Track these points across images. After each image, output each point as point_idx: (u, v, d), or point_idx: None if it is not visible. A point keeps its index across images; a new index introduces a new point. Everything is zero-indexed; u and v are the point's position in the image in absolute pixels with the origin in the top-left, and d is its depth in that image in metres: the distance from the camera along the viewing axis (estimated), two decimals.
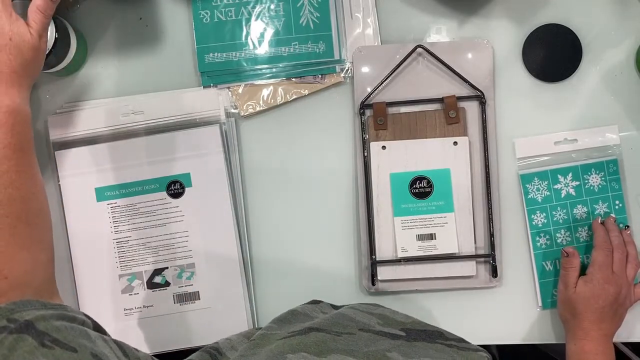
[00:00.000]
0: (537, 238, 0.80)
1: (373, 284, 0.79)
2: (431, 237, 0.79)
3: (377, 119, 0.79)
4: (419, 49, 0.79)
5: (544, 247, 0.80)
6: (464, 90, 0.80)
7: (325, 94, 0.82)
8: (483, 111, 0.79)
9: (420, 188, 0.79)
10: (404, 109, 0.80)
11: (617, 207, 0.79)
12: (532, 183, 0.80)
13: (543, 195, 0.80)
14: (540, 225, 0.80)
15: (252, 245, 0.82)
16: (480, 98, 0.79)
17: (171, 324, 0.81)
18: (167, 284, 0.81)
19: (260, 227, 0.82)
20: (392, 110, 0.80)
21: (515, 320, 0.81)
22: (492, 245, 0.79)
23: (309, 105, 0.82)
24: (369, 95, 0.80)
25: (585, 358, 0.72)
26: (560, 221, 0.80)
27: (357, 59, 0.80)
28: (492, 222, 0.79)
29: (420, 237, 0.79)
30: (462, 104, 0.79)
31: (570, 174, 0.80)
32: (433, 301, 0.81)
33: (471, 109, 0.80)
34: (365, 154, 0.80)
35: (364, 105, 0.80)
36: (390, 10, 0.81)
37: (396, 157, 0.79)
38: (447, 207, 0.79)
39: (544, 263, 0.80)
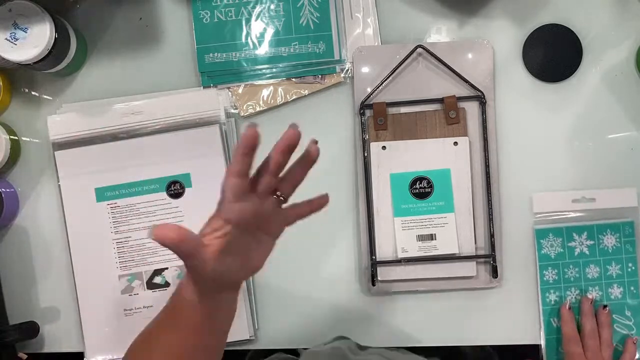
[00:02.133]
0: (547, 294, 0.79)
1: (373, 285, 0.79)
2: (431, 237, 0.79)
3: (377, 119, 0.79)
4: (419, 49, 0.79)
5: (552, 303, 0.79)
6: (464, 91, 0.80)
7: (325, 94, 0.82)
8: (483, 111, 0.79)
9: (421, 188, 0.79)
10: (404, 109, 0.80)
11: (629, 269, 0.79)
12: (547, 239, 0.79)
13: (556, 252, 0.79)
14: (551, 281, 0.79)
15: None
16: (480, 98, 0.79)
17: None
18: (167, 284, 0.81)
19: None
20: (392, 110, 0.80)
21: (515, 320, 0.81)
22: (492, 246, 0.79)
23: (309, 106, 0.82)
24: (369, 96, 0.80)
25: None
26: (572, 279, 0.79)
27: (357, 59, 0.80)
28: (493, 223, 0.79)
29: (421, 238, 0.79)
30: (462, 104, 0.79)
31: (585, 233, 0.79)
32: (433, 301, 0.81)
33: (471, 109, 0.80)
34: (366, 154, 0.79)
35: (364, 106, 0.80)
36: (390, 10, 0.81)
37: (396, 158, 0.79)
38: (447, 208, 0.78)
39: (551, 319, 0.79)
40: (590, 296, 0.78)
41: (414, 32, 0.81)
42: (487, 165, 0.79)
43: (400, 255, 0.79)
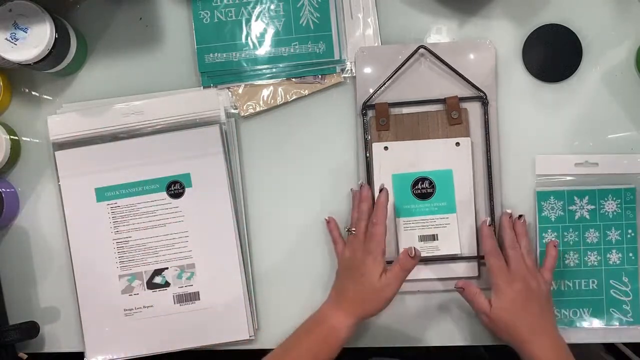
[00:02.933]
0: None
1: None
2: (433, 238, 0.78)
3: (379, 120, 0.79)
4: (422, 50, 0.79)
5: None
6: (467, 91, 0.79)
7: (325, 94, 0.82)
8: (485, 112, 0.79)
9: (423, 189, 0.79)
10: (406, 110, 0.80)
11: (629, 235, 0.79)
12: (548, 201, 0.79)
13: (557, 215, 0.79)
14: None
15: (252, 245, 0.82)
16: (482, 99, 0.79)
17: (171, 324, 0.81)
18: (167, 284, 0.81)
19: (261, 227, 0.82)
20: (394, 110, 0.80)
21: None
22: None
23: (309, 106, 0.82)
24: (371, 96, 0.79)
25: None
26: (571, 243, 0.79)
27: (359, 59, 0.80)
28: (495, 223, 0.79)
29: (423, 238, 0.79)
30: (464, 105, 0.79)
31: (586, 197, 0.79)
32: (435, 301, 0.81)
33: (473, 109, 0.80)
34: (368, 154, 0.79)
35: (366, 106, 0.80)
36: (391, 10, 0.81)
37: (398, 158, 0.79)
38: (449, 208, 0.78)
39: None
40: (509, 211, 0.78)
41: (414, 32, 0.81)
42: (489, 166, 0.79)
43: None
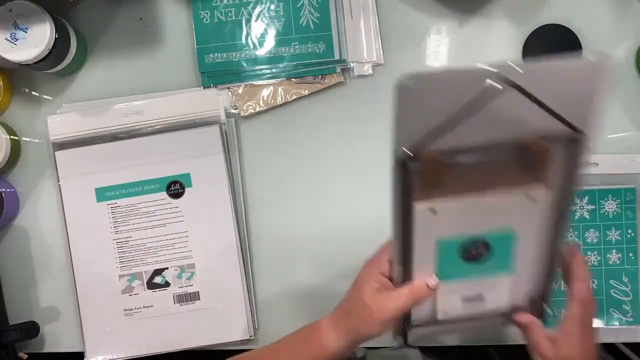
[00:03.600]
0: None
1: (406, 344, 0.65)
2: (480, 298, 0.62)
3: (427, 175, 0.53)
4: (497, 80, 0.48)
5: None
6: (549, 127, 0.51)
7: (325, 94, 0.82)
8: (575, 156, 0.53)
9: (476, 253, 0.59)
10: (462, 157, 0.54)
11: (629, 235, 0.79)
12: None
13: None
14: None
15: (252, 245, 0.82)
16: (575, 140, 0.52)
17: (171, 324, 0.81)
18: (167, 284, 0.81)
19: (261, 227, 0.82)
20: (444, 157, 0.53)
21: None
22: None
23: (309, 106, 0.82)
24: (419, 144, 0.50)
25: None
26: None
27: (402, 92, 0.47)
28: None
29: (467, 299, 0.62)
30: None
31: (586, 197, 0.79)
32: None
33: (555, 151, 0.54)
34: (408, 220, 0.55)
35: (409, 158, 0.51)
36: (391, 10, 0.81)
37: (449, 222, 0.56)
38: (504, 269, 0.60)
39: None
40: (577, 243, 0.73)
41: (415, 32, 0.81)
42: (559, 227, 0.58)
43: (441, 317, 0.63)
